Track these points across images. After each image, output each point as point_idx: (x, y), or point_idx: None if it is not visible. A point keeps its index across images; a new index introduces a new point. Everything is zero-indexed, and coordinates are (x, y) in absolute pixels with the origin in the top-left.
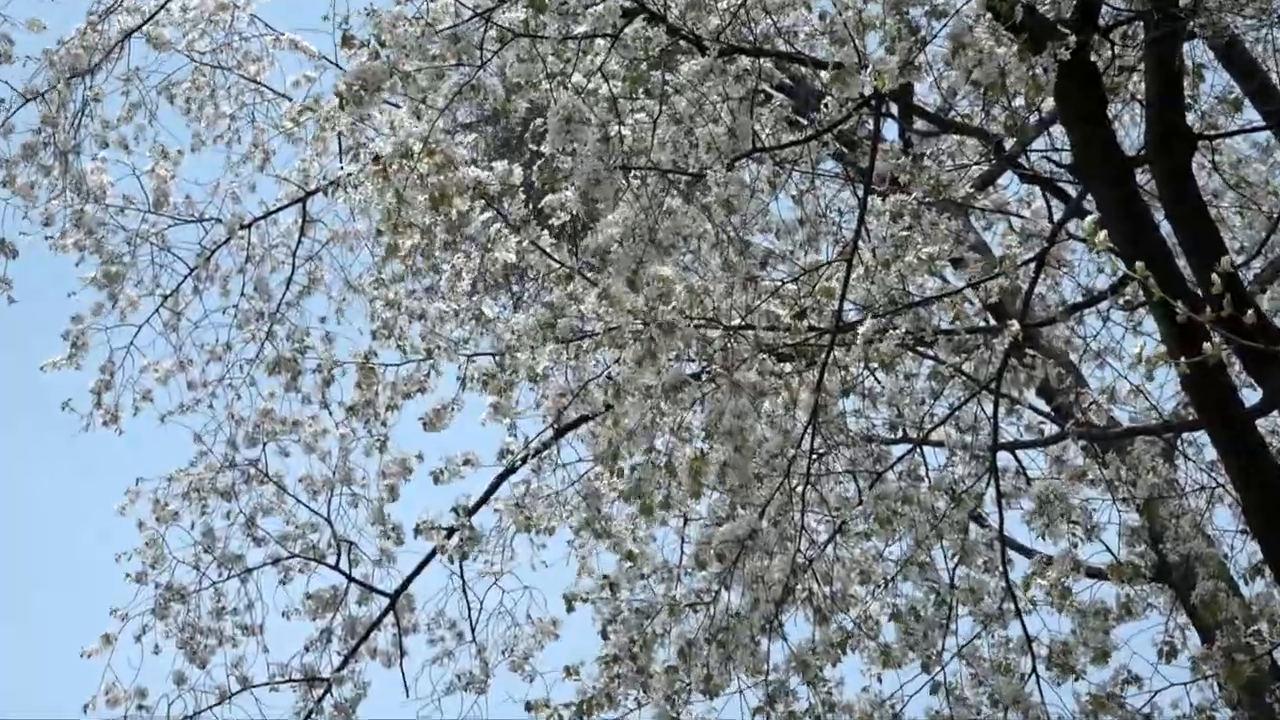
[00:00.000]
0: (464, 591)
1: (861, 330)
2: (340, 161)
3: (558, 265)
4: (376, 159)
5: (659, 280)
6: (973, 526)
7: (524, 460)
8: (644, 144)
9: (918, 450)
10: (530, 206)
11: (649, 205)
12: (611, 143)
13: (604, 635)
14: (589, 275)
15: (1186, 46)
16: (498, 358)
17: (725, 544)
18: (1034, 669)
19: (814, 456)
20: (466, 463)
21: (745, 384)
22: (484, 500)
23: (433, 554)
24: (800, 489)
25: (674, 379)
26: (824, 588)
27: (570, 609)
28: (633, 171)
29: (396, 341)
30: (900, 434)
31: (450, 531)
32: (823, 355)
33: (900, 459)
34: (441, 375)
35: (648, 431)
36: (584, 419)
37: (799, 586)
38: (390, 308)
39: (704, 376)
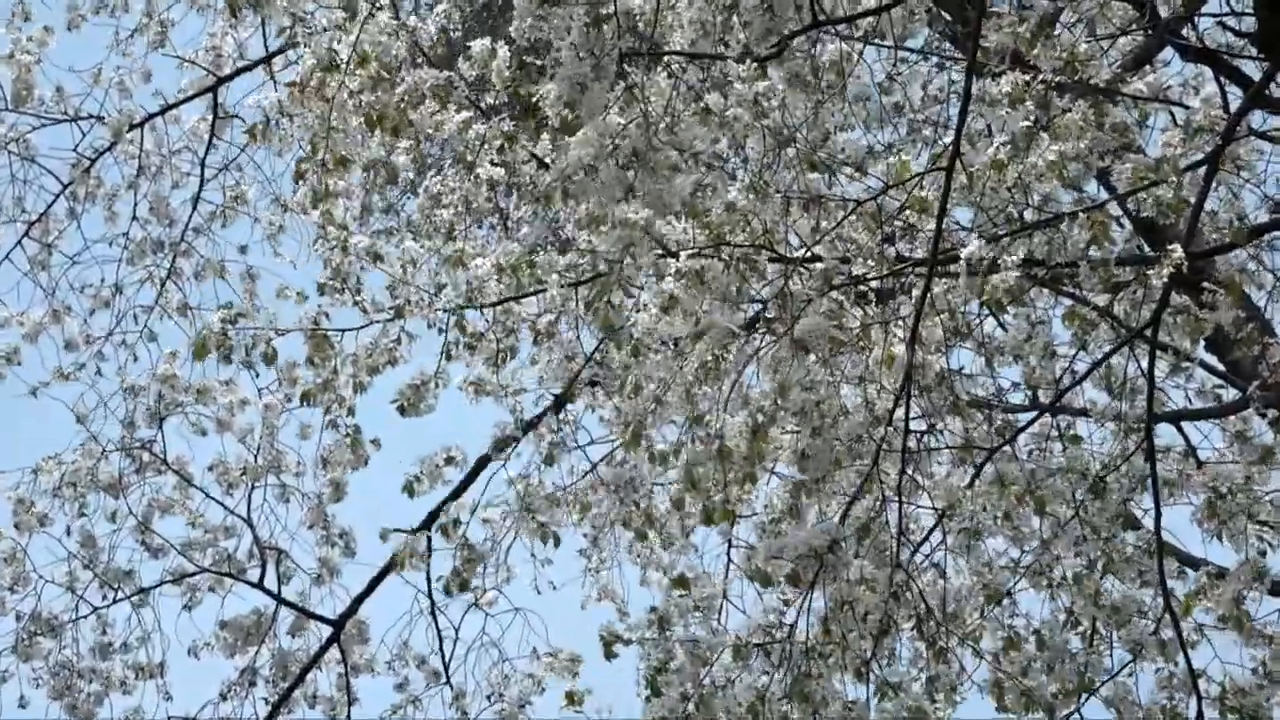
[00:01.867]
0: (433, 617)
1: (966, 253)
2: (264, 35)
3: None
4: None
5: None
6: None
7: (516, 441)
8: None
9: (1049, 419)
10: (520, 99)
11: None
12: (606, 28)
13: (652, 689)
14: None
15: None
16: (485, 311)
17: (802, 559)
18: (1200, 714)
19: (912, 434)
20: (449, 461)
21: (813, 336)
22: (459, 491)
23: (389, 568)
24: (897, 477)
25: (714, 330)
26: (933, 608)
27: (611, 654)
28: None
29: (353, 295)
30: (1027, 398)
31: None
32: (918, 294)
33: (1022, 430)
34: (417, 340)
35: (685, 401)
36: (593, 383)
37: (900, 610)
38: (337, 246)
39: (758, 327)
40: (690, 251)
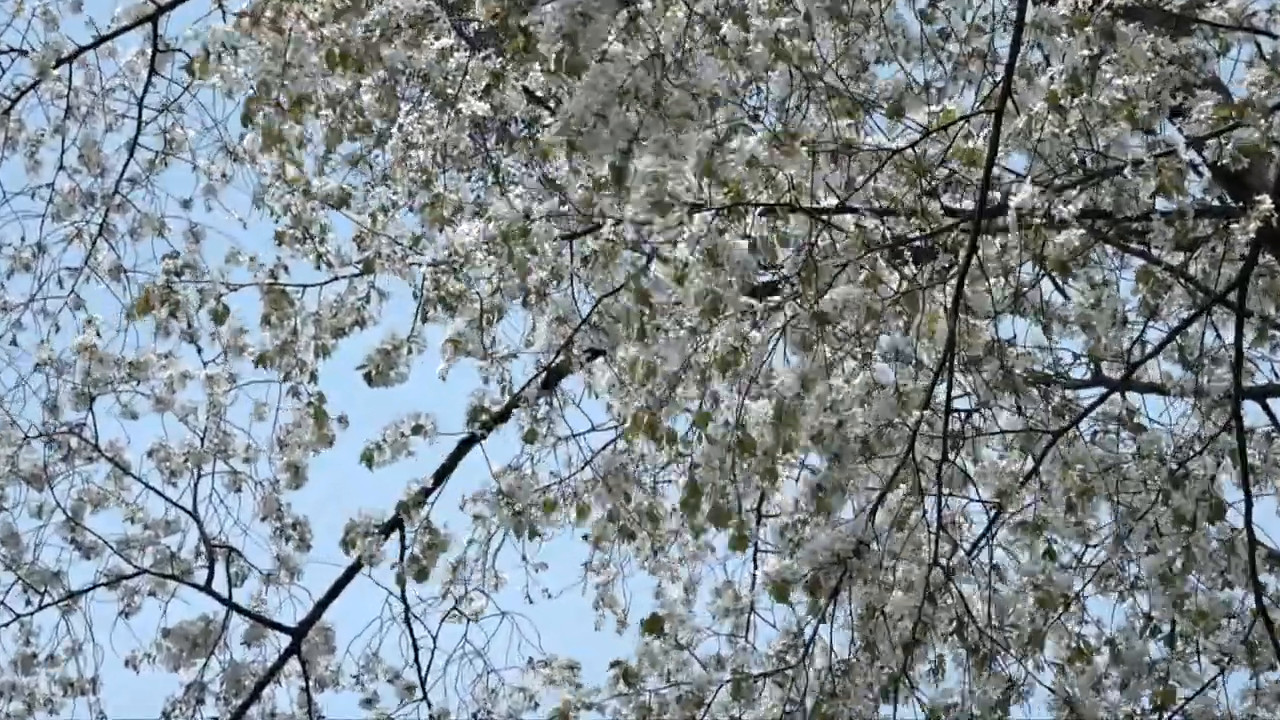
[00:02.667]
0: (407, 624)
1: (1016, 202)
2: None
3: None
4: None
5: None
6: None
7: (498, 419)
8: None
9: (1118, 398)
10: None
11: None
12: None
13: None
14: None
15: None
16: (461, 266)
17: (821, 568)
18: None
19: (955, 415)
20: (417, 430)
21: (846, 306)
22: (440, 476)
23: (357, 567)
24: (938, 464)
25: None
26: (975, 612)
27: None
28: None
29: (316, 246)
30: (1091, 373)
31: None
32: (964, 254)
33: (1088, 411)
34: (388, 298)
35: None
36: (593, 353)
37: (941, 616)
38: (297, 190)
39: (781, 296)
40: (706, 213)
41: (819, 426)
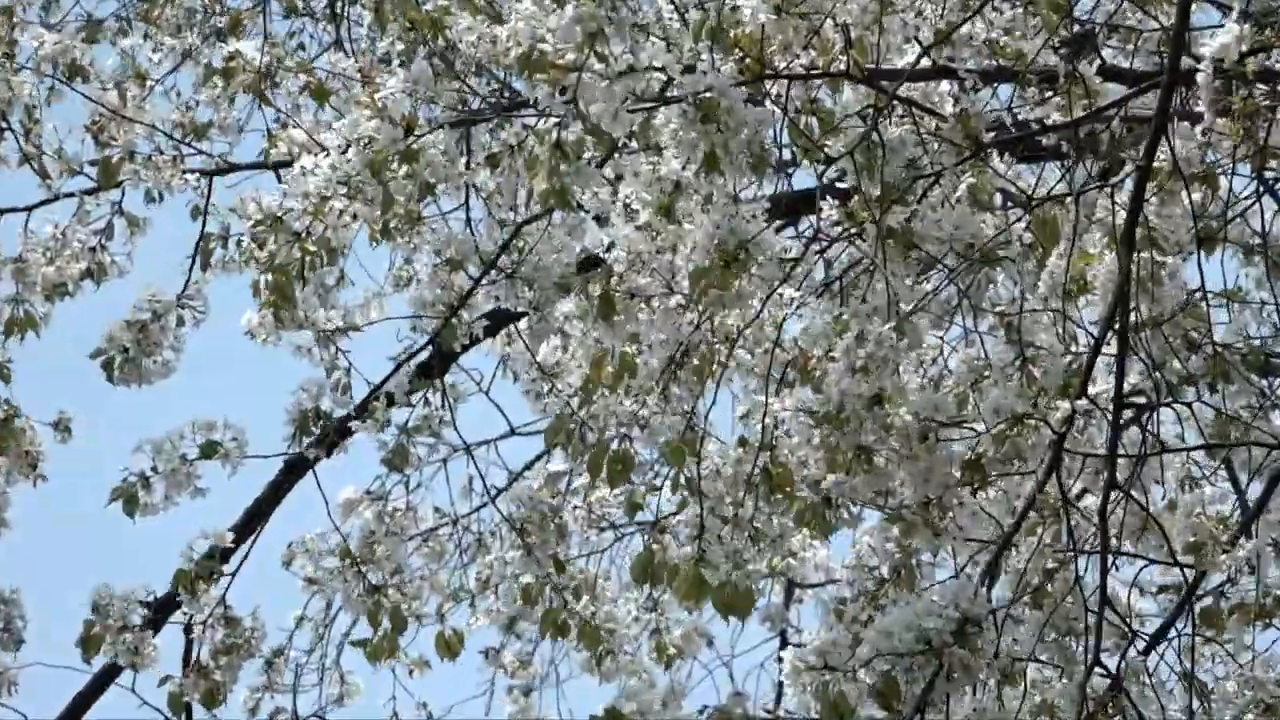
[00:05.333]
0: None
1: (1212, 50)
2: None
3: None
4: None
5: None
6: None
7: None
8: None
9: None
10: None
11: None
12: None
13: None
14: None
15: None
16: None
17: (900, 662)
18: None
19: (1129, 407)
20: (209, 452)
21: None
22: (251, 523)
23: (109, 677)
24: (1102, 488)
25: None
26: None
27: None
28: None
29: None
30: None
31: None
32: (1138, 153)
33: None
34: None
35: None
36: (509, 318)
37: None
38: None
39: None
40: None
41: (901, 427)
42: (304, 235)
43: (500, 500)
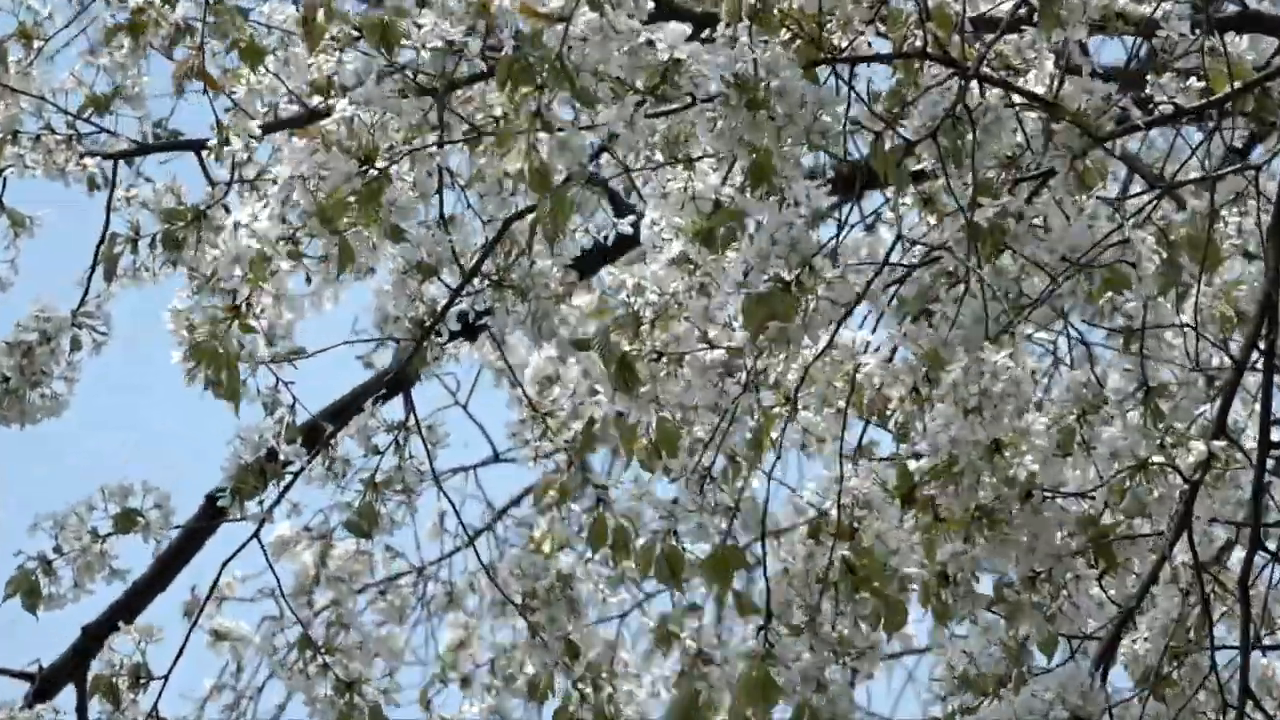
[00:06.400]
0: None
1: None
2: None
3: None
4: None
5: None
6: None
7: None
8: None
9: None
10: None
11: None
12: None
13: None
14: None
15: None
16: None
17: None
18: None
19: None
20: (126, 524)
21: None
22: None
23: None
24: (1247, 549)
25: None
26: None
27: None
28: None
29: None
30: None
31: None
32: None
33: None
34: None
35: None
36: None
37: None
38: None
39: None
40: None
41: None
42: (242, 310)
43: (480, 542)
